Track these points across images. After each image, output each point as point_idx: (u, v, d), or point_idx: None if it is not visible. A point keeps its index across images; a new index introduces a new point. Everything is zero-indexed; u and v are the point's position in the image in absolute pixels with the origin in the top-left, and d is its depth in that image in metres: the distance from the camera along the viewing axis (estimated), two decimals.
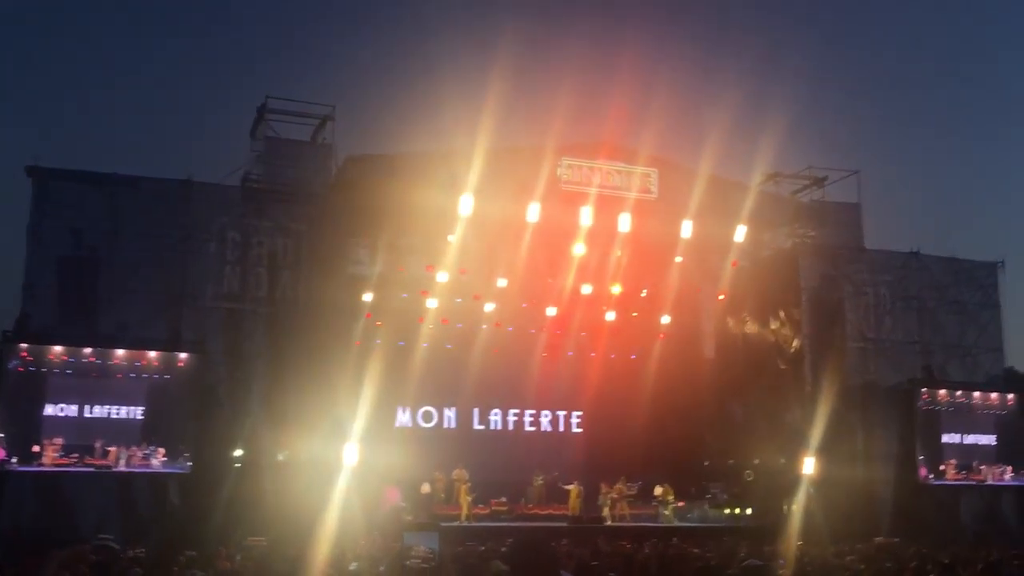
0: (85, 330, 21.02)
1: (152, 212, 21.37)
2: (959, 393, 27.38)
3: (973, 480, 26.79)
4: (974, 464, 26.96)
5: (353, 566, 10.12)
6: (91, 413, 20.57)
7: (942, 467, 26.47)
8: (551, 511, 25.73)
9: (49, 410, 20.26)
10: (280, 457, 22.04)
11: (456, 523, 22.86)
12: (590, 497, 25.78)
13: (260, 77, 65.78)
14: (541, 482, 26.61)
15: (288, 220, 22.66)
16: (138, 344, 20.83)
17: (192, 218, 21.78)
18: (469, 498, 24.15)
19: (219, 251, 22.02)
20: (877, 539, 21.03)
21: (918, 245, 28.28)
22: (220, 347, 21.89)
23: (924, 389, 26.92)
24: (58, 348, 20.37)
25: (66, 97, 71.86)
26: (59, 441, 19.83)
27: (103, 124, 69.26)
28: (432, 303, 28.86)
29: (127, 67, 74.28)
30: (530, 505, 26.20)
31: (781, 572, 7.94)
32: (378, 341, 28.40)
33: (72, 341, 20.55)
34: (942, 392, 27.16)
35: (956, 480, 26.55)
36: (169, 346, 21.00)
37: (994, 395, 27.82)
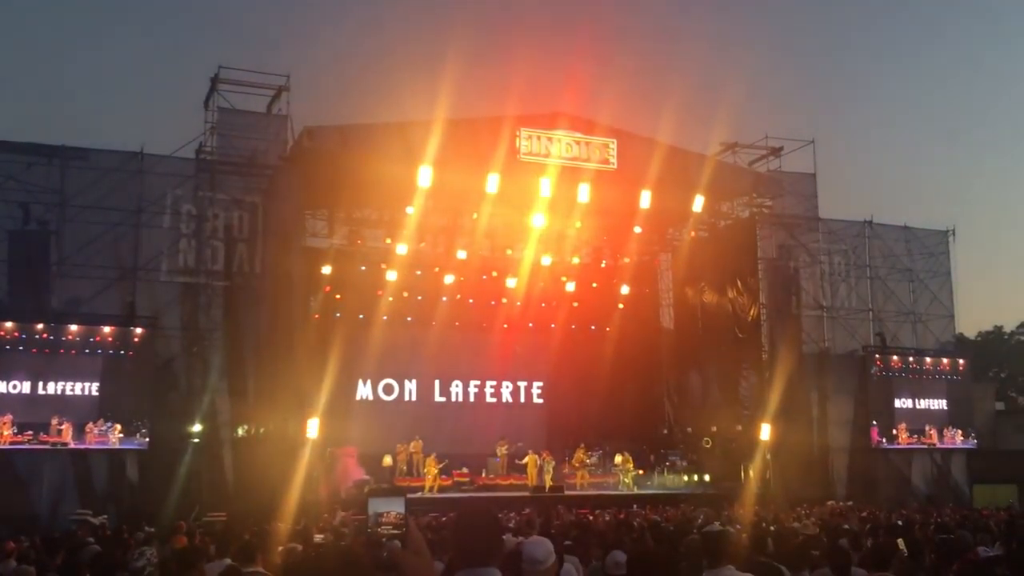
0: (37, 305, 20.64)
1: (104, 185, 20.95)
2: (911, 359, 27.95)
3: (924, 444, 27.42)
4: (926, 428, 27.58)
5: (319, 538, 10.12)
6: (44, 390, 20.21)
7: (894, 431, 27.05)
8: (513, 480, 25.90)
9: (0, 387, 19.89)
10: (240, 432, 21.92)
11: (419, 494, 22.92)
12: (552, 467, 26.02)
13: (213, 46, 64.69)
14: (505, 452, 26.75)
15: (244, 192, 22.39)
16: (91, 319, 20.50)
17: (145, 191, 21.42)
18: (435, 470, 24.21)
19: (173, 224, 21.71)
20: (830, 502, 21.50)
21: (871, 214, 28.77)
22: (176, 322, 21.65)
23: (877, 356, 27.44)
24: (9, 324, 19.97)
25: (14, 68, 70.04)
26: (8, 418, 19.49)
27: (52, 95, 67.69)
28: (391, 275, 28.75)
29: (77, 36, 72.54)
30: (492, 476, 26.34)
31: (738, 537, 8.07)
32: (338, 314, 28.27)
33: (23, 317, 20.16)
34: (895, 358, 27.71)
35: (908, 444, 27.17)
36: (123, 321, 20.70)
37: (945, 361, 28.43)
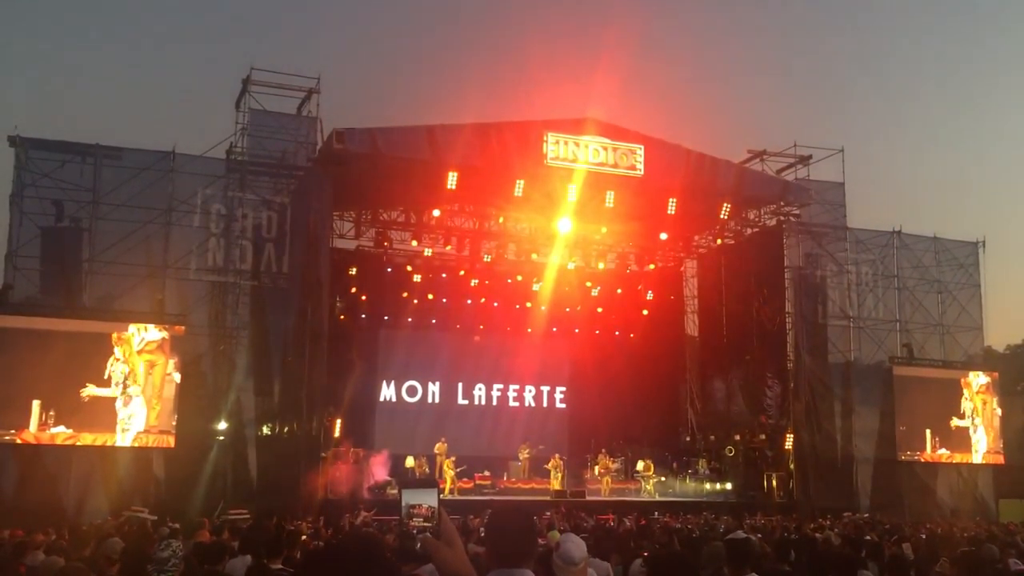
0: (68, 301, 20.92)
1: (135, 184, 21.17)
2: (939, 372, 27.65)
3: (951, 458, 27.10)
4: (952, 442, 27.26)
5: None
6: None
7: (920, 444, 26.76)
8: (534, 484, 25.91)
9: None
10: (264, 430, 22.10)
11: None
12: (574, 472, 26.03)
13: (246, 49, 65.28)
14: (527, 455, 26.77)
15: (273, 193, 22.57)
16: (121, 316, 20.73)
17: (176, 190, 21.63)
18: (452, 472, 24.27)
19: (203, 223, 21.90)
20: (846, 514, 21.34)
21: (900, 224, 28.53)
22: (204, 320, 21.84)
23: (904, 367, 27.19)
24: (40, 320, 20.24)
25: (49, 67, 71.05)
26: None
27: (87, 95, 68.59)
28: (417, 278, 28.91)
29: (111, 37, 73.46)
30: (513, 479, 26.38)
31: (761, 545, 8.05)
32: (363, 316, 28.47)
33: (55, 313, 20.43)
34: (922, 370, 27.42)
35: (934, 458, 26.88)
36: (152, 318, 20.92)
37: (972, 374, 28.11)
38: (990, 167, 76.39)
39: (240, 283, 22.19)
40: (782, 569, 6.38)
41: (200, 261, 21.86)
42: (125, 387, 20.05)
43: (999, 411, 27.91)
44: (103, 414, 19.82)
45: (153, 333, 20.45)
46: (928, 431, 26.77)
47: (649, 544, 9.67)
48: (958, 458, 27.06)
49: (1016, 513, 24.83)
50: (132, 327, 20.35)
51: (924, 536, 13.29)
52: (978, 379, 27.83)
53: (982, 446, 27.44)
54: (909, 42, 77.86)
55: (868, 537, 11.27)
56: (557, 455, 26.02)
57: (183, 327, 20.94)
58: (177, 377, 20.48)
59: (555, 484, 25.04)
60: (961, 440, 27.22)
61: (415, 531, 2.27)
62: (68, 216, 21.30)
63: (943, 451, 26.85)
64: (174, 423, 20.26)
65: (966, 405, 27.50)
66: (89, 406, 19.72)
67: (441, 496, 2.38)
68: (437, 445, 25.33)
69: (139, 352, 20.20)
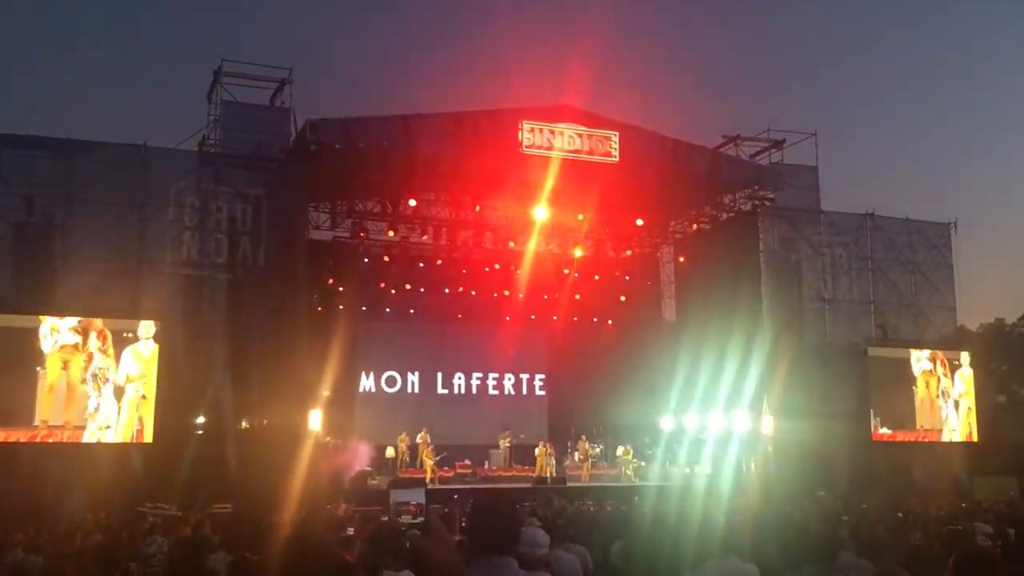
0: (41, 298, 20.69)
1: (108, 178, 20.95)
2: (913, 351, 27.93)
3: (925, 437, 27.44)
4: (926, 421, 27.55)
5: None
6: None
7: (894, 424, 27.06)
8: (515, 472, 26.02)
9: None
10: (243, 424, 22.01)
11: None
12: (557, 459, 26.16)
13: (216, 40, 64.54)
14: (508, 444, 26.86)
15: (247, 185, 22.39)
16: (96, 312, 20.55)
17: (149, 184, 21.42)
18: (431, 461, 24.32)
19: (177, 217, 21.72)
20: (819, 493, 21.56)
21: (873, 207, 28.79)
22: (180, 314, 21.69)
23: (879, 348, 27.46)
24: (13, 317, 20.03)
25: (18, 62, 70.01)
26: None
27: (56, 89, 67.68)
28: (394, 268, 28.87)
29: (81, 31, 72.53)
30: (494, 467, 26.45)
31: (740, 527, 8.13)
32: (341, 307, 28.39)
33: (28, 309, 20.21)
34: (896, 351, 27.71)
35: (908, 437, 27.19)
36: (128, 314, 20.75)
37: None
38: (962, 150, 77.12)
39: (216, 277, 22.03)
40: (761, 551, 6.44)
41: (175, 255, 21.69)
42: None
43: (972, 390, 28.25)
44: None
45: (67, 336, 20.00)
46: (901, 411, 27.07)
47: (630, 529, 9.74)
48: (932, 437, 27.40)
49: (990, 490, 25.18)
50: (46, 325, 19.89)
51: (901, 515, 13.46)
52: (951, 358, 28.14)
53: (955, 425, 27.78)
54: (881, 26, 78.37)
55: (845, 518, 11.41)
56: (543, 442, 26.14)
57: (97, 323, 20.42)
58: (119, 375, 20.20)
59: (540, 471, 25.12)
60: (935, 419, 27.55)
61: (404, 528, 2.29)
62: (40, 212, 21.05)
63: (918, 430, 27.17)
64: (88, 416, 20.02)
65: (942, 384, 27.82)
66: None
67: (428, 492, 2.40)
68: (419, 435, 25.36)
69: (53, 352, 19.83)
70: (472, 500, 5.68)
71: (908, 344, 27.97)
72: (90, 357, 20.15)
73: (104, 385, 20.14)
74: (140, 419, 20.22)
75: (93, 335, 20.18)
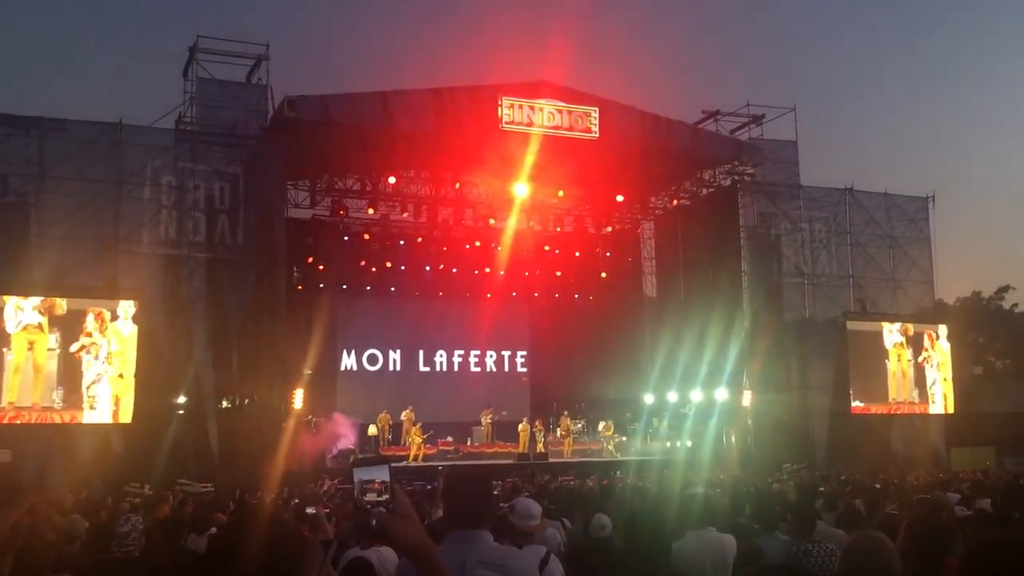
0: (16, 278, 20.48)
1: (82, 156, 20.70)
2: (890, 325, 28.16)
3: (903, 408, 27.73)
4: (903, 393, 27.82)
5: (310, 511, 10.18)
6: None
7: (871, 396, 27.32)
8: (498, 448, 26.11)
9: None
10: (224, 403, 21.95)
11: (404, 463, 23.10)
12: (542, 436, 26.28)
13: (191, 15, 63.79)
14: (490, 420, 26.93)
15: (225, 163, 22.21)
16: (73, 292, 20.37)
17: (125, 162, 21.21)
18: (420, 439, 24.37)
19: (154, 196, 21.54)
20: (785, 465, 21.80)
21: (852, 181, 28.92)
22: (159, 293, 21.55)
23: (857, 321, 27.66)
24: None
25: None
26: None
27: (29, 66, 66.73)
28: (374, 246, 28.77)
29: (54, 6, 71.43)
30: (476, 444, 26.54)
31: (718, 499, 8.21)
32: (321, 285, 28.28)
33: (4, 290, 20.00)
34: (874, 324, 27.93)
35: (887, 409, 27.47)
36: (105, 293, 20.58)
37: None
38: (939, 123, 77.51)
39: (194, 255, 21.89)
40: (739, 522, 6.51)
41: (152, 234, 21.51)
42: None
43: (948, 362, 28.53)
44: None
45: (30, 315, 19.65)
46: (874, 384, 27.33)
47: (612, 502, 9.82)
48: (906, 409, 27.69)
49: (967, 461, 25.52)
50: (10, 306, 19.49)
51: (878, 486, 13.63)
52: (928, 331, 28.39)
53: (928, 397, 28.06)
54: (859, 2, 78.39)
55: (822, 488, 11.54)
56: (525, 419, 26.24)
57: (60, 304, 20.01)
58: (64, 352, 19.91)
59: (523, 447, 25.23)
60: (906, 392, 27.82)
61: (369, 507, 2.28)
62: (13, 191, 20.81)
63: (890, 403, 27.44)
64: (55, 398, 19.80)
65: (921, 355, 28.07)
66: None
67: (393, 467, 2.39)
68: (404, 413, 25.38)
69: (17, 332, 19.49)
70: (444, 475, 5.69)
71: (886, 317, 28.19)
72: (83, 342, 19.89)
73: (96, 364, 19.93)
74: (117, 399, 20.04)
75: (91, 316, 19.94)
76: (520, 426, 25.86)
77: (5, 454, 16.93)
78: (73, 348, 19.81)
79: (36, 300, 19.82)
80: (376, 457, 2.52)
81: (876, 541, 3.30)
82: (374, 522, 2.30)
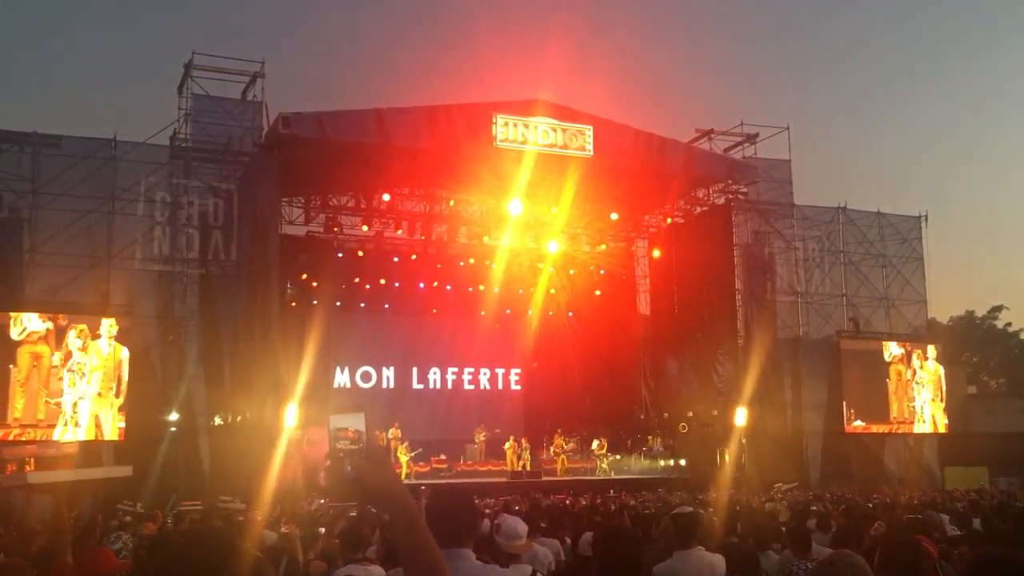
0: (9, 294, 20.44)
1: (77, 172, 20.72)
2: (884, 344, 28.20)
3: (896, 428, 27.71)
4: (896, 412, 27.81)
5: (284, 530, 10.13)
6: None
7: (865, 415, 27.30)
8: (491, 467, 26.01)
9: None
10: (217, 420, 21.86)
11: None
12: (532, 453, 26.18)
13: (187, 32, 64.01)
14: (483, 438, 26.84)
15: (218, 179, 22.25)
16: (66, 308, 20.31)
17: (119, 178, 21.23)
18: (407, 457, 24.25)
19: (147, 212, 21.55)
20: (776, 484, 21.74)
21: (845, 200, 29.04)
22: (152, 310, 21.51)
23: (850, 341, 27.69)
24: None
25: None
26: None
27: (24, 82, 66.83)
28: (368, 262, 28.73)
29: (48, 22, 71.63)
30: (469, 462, 26.44)
31: (709, 519, 8.19)
32: (315, 301, 28.19)
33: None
34: (868, 343, 27.96)
35: (880, 429, 27.45)
36: (98, 309, 20.53)
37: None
38: (932, 143, 77.93)
39: (188, 272, 21.87)
40: (729, 541, 6.49)
41: (146, 250, 21.51)
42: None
43: (941, 382, 28.55)
44: None
45: (36, 323, 19.58)
46: (874, 403, 27.31)
47: (600, 520, 9.79)
48: (905, 428, 27.68)
49: (960, 480, 25.52)
50: (13, 318, 19.39)
51: (871, 505, 13.61)
52: (921, 350, 28.43)
53: (927, 416, 28.07)
54: (853, 20, 78.99)
55: (815, 508, 11.51)
56: (512, 438, 26.13)
57: (66, 317, 19.94)
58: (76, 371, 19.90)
59: (511, 466, 25.15)
60: (907, 410, 27.81)
61: (342, 454, 2.32)
62: (7, 206, 20.81)
63: (891, 421, 27.42)
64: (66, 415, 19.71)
65: (918, 375, 28.08)
66: None
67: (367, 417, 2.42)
68: (390, 431, 25.29)
69: (21, 342, 19.39)
70: (427, 493, 5.67)
71: (880, 336, 28.24)
72: (68, 355, 19.79)
73: (80, 381, 19.82)
74: (97, 417, 19.88)
75: (72, 333, 19.83)
76: (506, 444, 25.74)
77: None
78: (55, 362, 19.72)
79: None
80: (353, 405, 2.54)
81: (847, 558, 3.30)
82: (348, 468, 2.33)
